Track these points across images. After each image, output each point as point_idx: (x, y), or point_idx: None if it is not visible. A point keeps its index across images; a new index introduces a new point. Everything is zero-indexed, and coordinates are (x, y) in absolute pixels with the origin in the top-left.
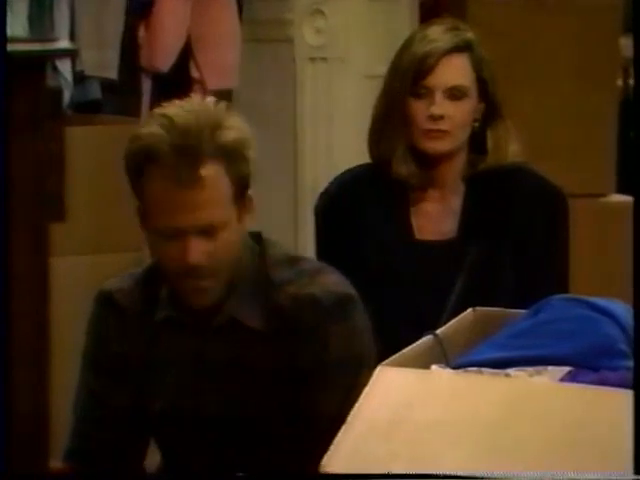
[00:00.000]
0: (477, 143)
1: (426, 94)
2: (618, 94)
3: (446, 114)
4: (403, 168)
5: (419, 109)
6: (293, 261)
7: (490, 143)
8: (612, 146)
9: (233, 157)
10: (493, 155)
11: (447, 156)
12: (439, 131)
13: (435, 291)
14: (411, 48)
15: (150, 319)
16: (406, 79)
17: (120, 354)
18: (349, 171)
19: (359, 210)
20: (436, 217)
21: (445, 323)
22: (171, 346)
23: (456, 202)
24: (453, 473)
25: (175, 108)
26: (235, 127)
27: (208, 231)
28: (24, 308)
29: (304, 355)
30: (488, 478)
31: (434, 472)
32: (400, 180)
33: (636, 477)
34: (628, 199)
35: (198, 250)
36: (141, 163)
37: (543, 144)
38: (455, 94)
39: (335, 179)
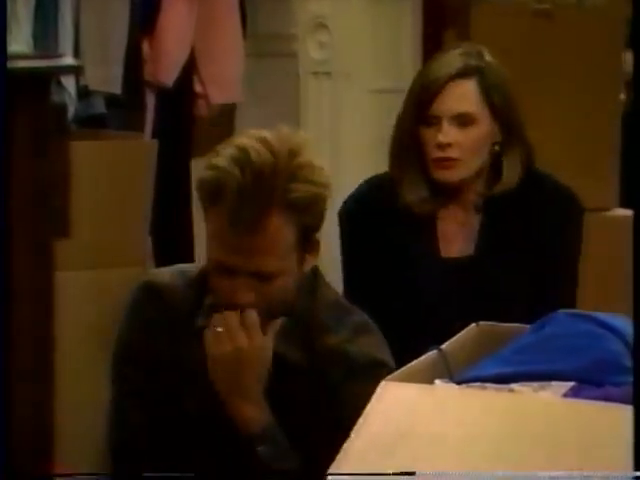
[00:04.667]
0: (495, 165)
1: (434, 122)
2: (621, 108)
3: (454, 141)
4: (412, 196)
5: (429, 137)
6: (341, 310)
7: (505, 168)
8: (615, 160)
9: (304, 211)
10: (506, 180)
11: (462, 184)
12: (449, 159)
13: (455, 308)
14: (424, 73)
15: (193, 325)
16: (414, 107)
17: (156, 351)
18: (376, 177)
19: (386, 219)
20: (455, 235)
21: None
22: (204, 358)
23: (473, 221)
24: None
25: (255, 142)
26: (316, 181)
27: (261, 275)
28: (28, 323)
29: (327, 408)
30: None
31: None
32: (409, 207)
33: (635, 474)
34: (632, 213)
35: (247, 290)
36: (210, 196)
37: (545, 158)
38: (463, 121)
39: (362, 184)
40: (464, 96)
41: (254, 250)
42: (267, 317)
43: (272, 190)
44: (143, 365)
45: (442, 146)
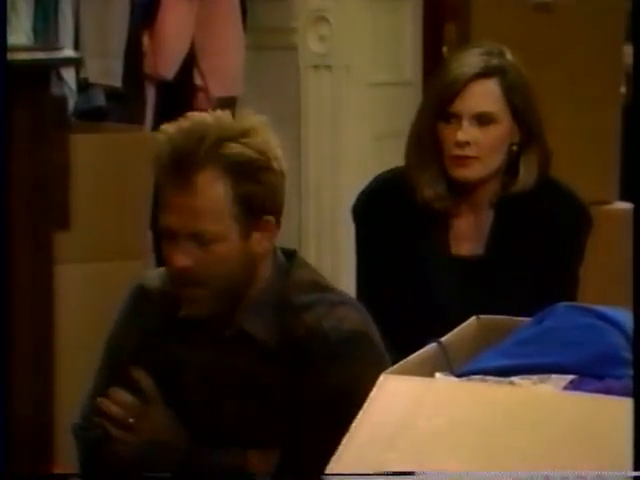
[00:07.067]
0: (512, 165)
1: (454, 120)
2: (621, 101)
3: (473, 140)
4: (429, 192)
5: (448, 135)
6: (318, 288)
7: (522, 169)
8: (615, 153)
9: (240, 173)
10: (523, 181)
11: (479, 182)
12: (467, 157)
13: (463, 306)
14: (444, 71)
15: (176, 321)
16: (434, 104)
17: (141, 348)
18: (388, 173)
19: (398, 215)
20: (466, 234)
21: None
22: (189, 351)
23: (485, 221)
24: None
25: (204, 115)
26: (253, 146)
27: (199, 239)
28: (28, 316)
29: (304, 385)
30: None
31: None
32: (425, 203)
33: (635, 473)
34: (632, 207)
35: (185, 254)
36: (155, 162)
37: None
38: (483, 120)
39: (375, 179)
40: (485, 95)
41: (189, 210)
42: (206, 289)
43: (199, 149)
44: (128, 361)
45: (461, 144)
